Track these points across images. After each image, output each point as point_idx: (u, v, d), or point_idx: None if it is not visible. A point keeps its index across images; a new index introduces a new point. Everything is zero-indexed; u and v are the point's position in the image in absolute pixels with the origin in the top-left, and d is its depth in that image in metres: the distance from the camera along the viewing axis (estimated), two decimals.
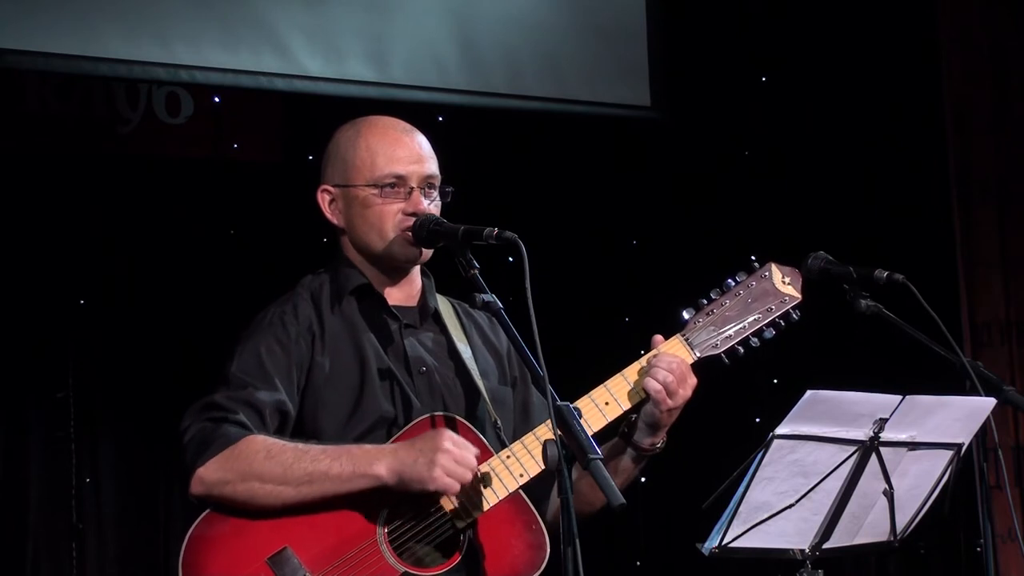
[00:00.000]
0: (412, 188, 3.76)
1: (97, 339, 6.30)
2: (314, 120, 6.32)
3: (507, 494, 3.60)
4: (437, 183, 3.81)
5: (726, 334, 3.78)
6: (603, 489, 3.27)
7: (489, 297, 3.56)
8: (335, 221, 3.83)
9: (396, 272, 3.82)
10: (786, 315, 3.83)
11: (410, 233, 3.74)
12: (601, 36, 6.62)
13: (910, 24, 7.18)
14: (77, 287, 6.33)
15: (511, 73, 6.44)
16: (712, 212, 7.19)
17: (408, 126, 3.86)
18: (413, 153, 3.79)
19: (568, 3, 6.60)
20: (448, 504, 3.59)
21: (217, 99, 6.60)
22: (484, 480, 3.58)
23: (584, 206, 7.06)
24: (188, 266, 6.40)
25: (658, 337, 3.78)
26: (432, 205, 3.78)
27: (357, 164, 3.78)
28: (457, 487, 3.52)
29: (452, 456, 3.51)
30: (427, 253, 3.79)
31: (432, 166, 3.80)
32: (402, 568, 3.55)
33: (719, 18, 7.16)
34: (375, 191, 3.76)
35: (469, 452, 3.54)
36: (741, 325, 3.79)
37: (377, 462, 3.53)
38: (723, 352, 3.78)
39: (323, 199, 3.83)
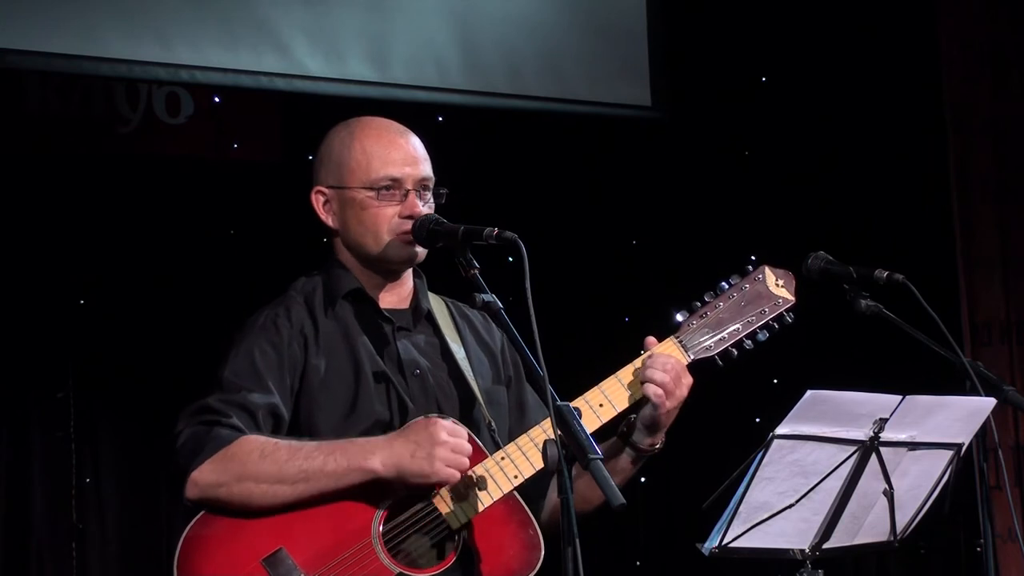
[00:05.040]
0: (408, 191, 3.76)
1: (97, 339, 6.30)
2: (314, 120, 6.29)
3: (502, 495, 3.60)
4: (431, 185, 3.81)
5: (720, 336, 3.79)
6: (603, 489, 3.27)
7: (489, 297, 3.56)
8: (329, 223, 3.83)
9: (390, 274, 3.82)
10: (779, 317, 3.84)
11: (406, 235, 3.74)
12: (601, 36, 6.62)
13: (910, 24, 7.18)
14: (77, 287, 6.33)
15: (511, 73, 6.44)
16: (712, 212, 7.19)
17: (402, 127, 3.85)
18: (408, 155, 3.78)
19: (568, 3, 6.60)
20: (443, 505, 3.59)
21: (217, 99, 6.60)
22: (479, 481, 3.59)
23: (584, 206, 7.06)
24: (188, 266, 6.40)
25: (651, 339, 3.78)
26: (426, 207, 3.78)
27: (352, 166, 3.78)
28: (459, 476, 3.53)
29: (450, 446, 3.52)
30: (422, 254, 3.79)
31: (427, 168, 3.80)
32: (397, 569, 3.55)
33: (719, 18, 7.16)
34: (371, 194, 3.76)
35: (464, 440, 3.56)
36: (735, 327, 3.80)
37: (372, 456, 3.54)
38: (717, 354, 3.79)
39: (317, 200, 3.83)
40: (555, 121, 6.80)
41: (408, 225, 3.74)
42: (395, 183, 3.76)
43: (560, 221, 6.85)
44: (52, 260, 6.23)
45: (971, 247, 7.15)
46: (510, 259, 3.47)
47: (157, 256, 6.38)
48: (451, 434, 3.54)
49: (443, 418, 3.62)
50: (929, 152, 7.22)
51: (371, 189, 3.76)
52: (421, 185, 3.78)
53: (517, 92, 6.46)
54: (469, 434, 3.64)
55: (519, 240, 3.49)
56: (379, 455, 3.53)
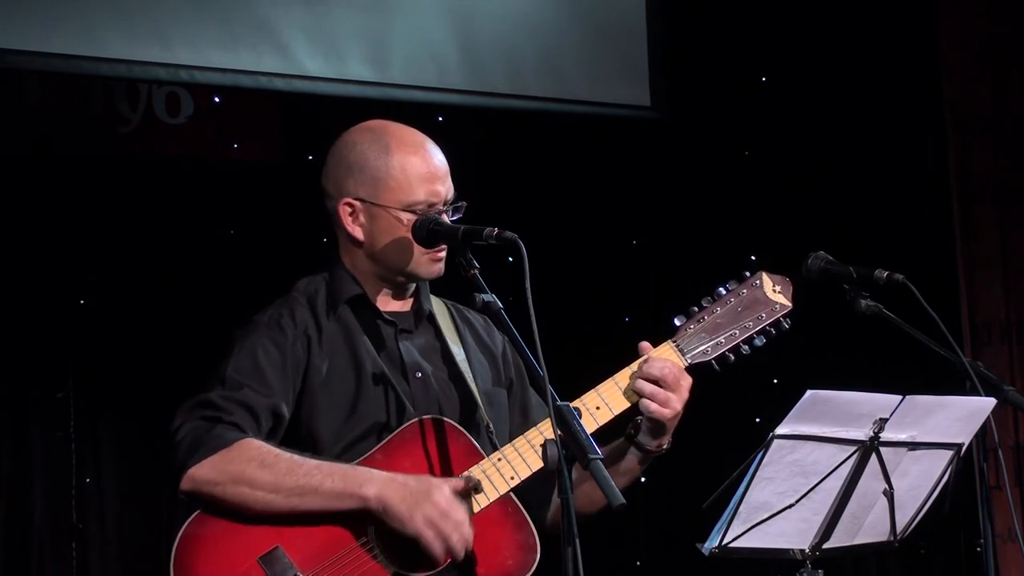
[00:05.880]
0: (441, 212, 3.75)
1: (97, 339, 6.30)
2: (314, 120, 6.33)
3: (498, 496, 3.60)
4: None
5: (716, 341, 3.80)
6: (603, 489, 3.27)
7: (489, 297, 3.56)
8: (356, 235, 3.77)
9: (404, 286, 3.82)
10: (776, 323, 3.84)
11: (436, 252, 3.74)
12: (601, 36, 6.62)
13: (910, 24, 7.18)
14: (77, 287, 6.33)
15: (511, 73, 6.44)
16: (712, 212, 7.19)
17: (429, 140, 3.82)
18: (441, 172, 3.77)
19: (568, 3, 6.60)
20: None
21: (217, 99, 6.60)
22: (475, 483, 3.59)
23: (584, 206, 7.06)
24: (188, 266, 6.40)
25: (645, 344, 3.79)
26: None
27: (391, 185, 3.73)
28: (432, 537, 3.50)
29: (439, 508, 3.51)
30: (442, 266, 3.78)
31: (451, 183, 3.79)
32: (393, 568, 3.55)
33: (719, 18, 7.16)
34: (411, 216, 3.73)
35: (458, 513, 3.53)
36: (731, 333, 3.81)
37: (368, 485, 3.53)
38: (713, 359, 3.80)
39: (344, 211, 3.77)
40: (555, 121, 6.80)
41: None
42: (431, 206, 3.74)
43: (560, 221, 6.85)
44: (52, 260, 6.23)
45: (971, 247, 7.15)
46: (510, 259, 3.47)
47: (157, 256, 6.38)
48: (450, 502, 3.52)
49: (439, 420, 3.62)
50: (929, 152, 7.21)
51: (410, 211, 3.73)
52: (449, 202, 3.78)
53: (517, 92, 6.46)
54: (466, 435, 3.65)
55: (519, 240, 3.48)
56: (374, 486, 3.53)
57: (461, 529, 3.52)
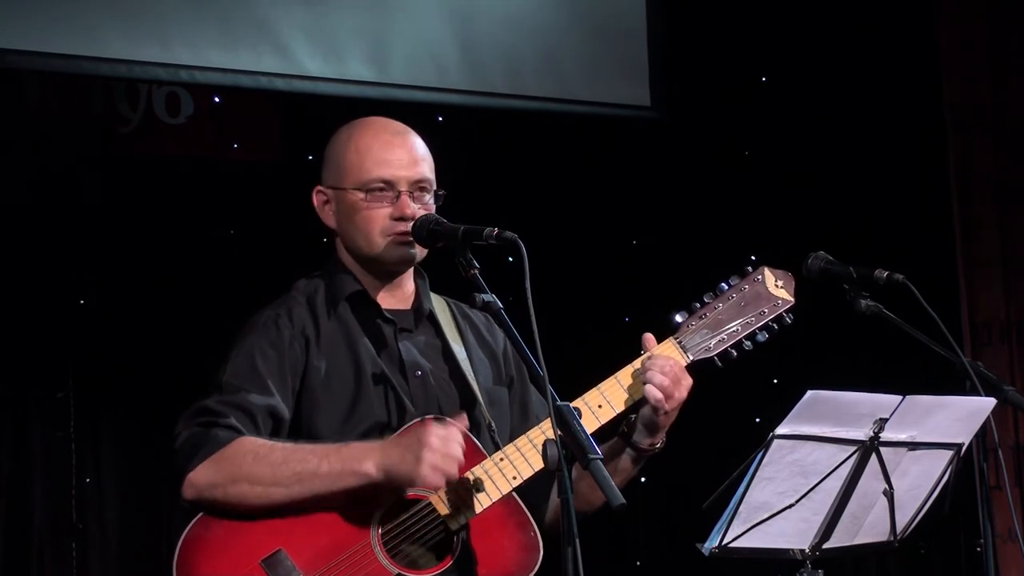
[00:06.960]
0: (400, 192, 3.75)
1: (97, 339, 6.30)
2: (314, 120, 6.32)
3: (500, 496, 3.60)
4: (429, 187, 3.78)
5: (719, 337, 3.79)
6: (603, 489, 3.27)
7: (489, 297, 3.56)
8: (328, 223, 3.83)
9: (388, 275, 3.82)
10: (779, 318, 3.84)
11: (400, 236, 3.73)
12: (601, 36, 6.62)
13: (910, 24, 7.18)
14: (77, 287, 6.33)
15: (511, 73, 6.44)
16: (712, 212, 7.19)
17: (402, 127, 3.83)
18: (403, 156, 3.77)
19: (568, 3, 6.60)
20: (441, 506, 3.59)
21: (217, 99, 6.61)
22: (477, 483, 3.59)
23: (584, 206, 7.06)
24: (188, 266, 6.40)
25: (648, 336, 3.78)
26: (422, 209, 3.75)
27: (347, 167, 3.77)
28: (443, 483, 3.52)
29: (439, 452, 3.50)
30: (420, 254, 3.78)
31: (423, 169, 3.78)
32: (395, 570, 3.55)
33: (719, 18, 7.16)
34: (362, 195, 3.75)
35: (455, 445, 3.53)
36: (734, 328, 3.81)
37: (365, 459, 3.53)
38: (716, 355, 3.80)
39: (318, 200, 3.83)
40: (555, 121, 6.80)
41: (401, 226, 3.73)
42: (388, 185, 3.74)
43: (560, 221, 6.85)
44: (52, 260, 6.23)
45: (971, 247, 7.15)
46: (510, 259, 3.47)
47: (157, 256, 6.38)
48: (443, 439, 3.52)
49: (440, 420, 3.61)
50: (929, 152, 7.22)
51: (363, 190, 3.75)
52: (417, 187, 3.76)
53: (517, 92, 6.46)
54: (468, 435, 3.64)
55: (519, 240, 3.49)
56: (372, 459, 3.53)
57: (458, 464, 3.52)
